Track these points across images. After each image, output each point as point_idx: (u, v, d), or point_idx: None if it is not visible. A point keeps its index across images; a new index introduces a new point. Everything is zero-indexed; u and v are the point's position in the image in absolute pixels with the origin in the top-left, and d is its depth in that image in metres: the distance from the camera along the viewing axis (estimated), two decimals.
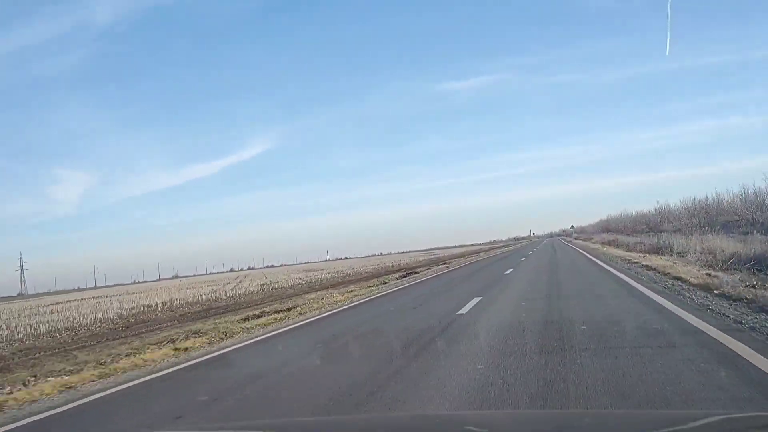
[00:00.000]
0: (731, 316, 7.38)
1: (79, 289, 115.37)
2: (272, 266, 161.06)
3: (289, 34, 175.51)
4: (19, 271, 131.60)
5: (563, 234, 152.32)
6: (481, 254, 56.00)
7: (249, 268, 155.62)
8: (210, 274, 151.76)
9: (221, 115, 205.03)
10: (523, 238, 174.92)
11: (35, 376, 8.55)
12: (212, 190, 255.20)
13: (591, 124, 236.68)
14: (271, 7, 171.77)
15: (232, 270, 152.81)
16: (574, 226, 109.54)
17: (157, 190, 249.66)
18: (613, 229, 70.78)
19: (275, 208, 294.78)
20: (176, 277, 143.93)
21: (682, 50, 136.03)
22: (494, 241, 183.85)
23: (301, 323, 11.92)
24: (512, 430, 2.36)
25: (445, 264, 39.20)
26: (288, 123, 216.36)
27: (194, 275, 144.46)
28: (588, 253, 32.86)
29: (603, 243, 45.72)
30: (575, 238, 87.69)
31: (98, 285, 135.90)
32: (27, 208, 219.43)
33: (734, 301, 8.65)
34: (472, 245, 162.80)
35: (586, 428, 2.24)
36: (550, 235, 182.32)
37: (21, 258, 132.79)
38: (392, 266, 46.12)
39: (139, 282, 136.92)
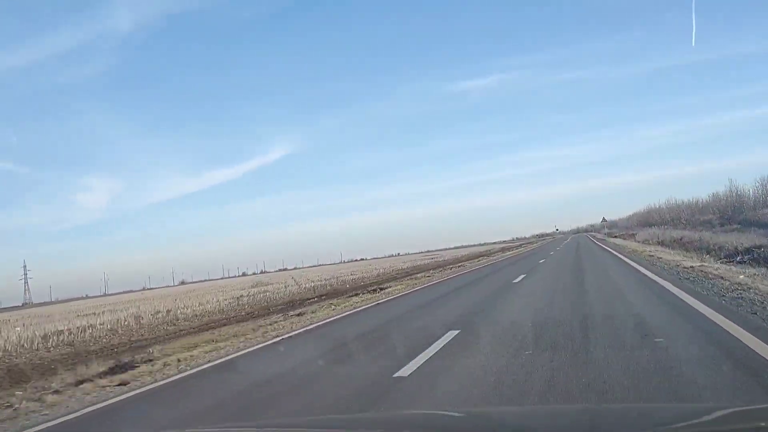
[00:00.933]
0: None
1: (87, 297, 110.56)
2: (285, 269, 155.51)
3: (305, 37, 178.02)
4: (23, 280, 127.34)
5: (591, 230, 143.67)
6: (482, 259, 44.92)
7: (262, 272, 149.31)
8: (222, 278, 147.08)
9: (238, 120, 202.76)
10: (548, 235, 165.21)
11: None
12: (223, 196, 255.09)
13: (608, 119, 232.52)
14: (286, 10, 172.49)
15: (244, 274, 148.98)
16: (606, 219, 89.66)
17: (170, 197, 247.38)
18: (655, 221, 62.68)
19: (288, 212, 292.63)
20: (183, 283, 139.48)
21: (704, 43, 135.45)
22: (515, 239, 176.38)
23: None
24: (517, 427, 2.29)
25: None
26: (303, 126, 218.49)
27: (205, 280, 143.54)
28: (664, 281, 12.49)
29: (658, 244, 31.18)
30: (607, 234, 74.45)
31: (108, 292, 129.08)
32: (46, 216, 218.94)
33: None
34: (481, 244, 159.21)
35: (594, 423, 2.17)
36: (576, 231, 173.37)
37: (24, 266, 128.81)
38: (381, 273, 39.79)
39: (147, 289, 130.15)
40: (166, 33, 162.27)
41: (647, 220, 69.16)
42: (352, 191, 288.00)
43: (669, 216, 56.89)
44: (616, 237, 57.83)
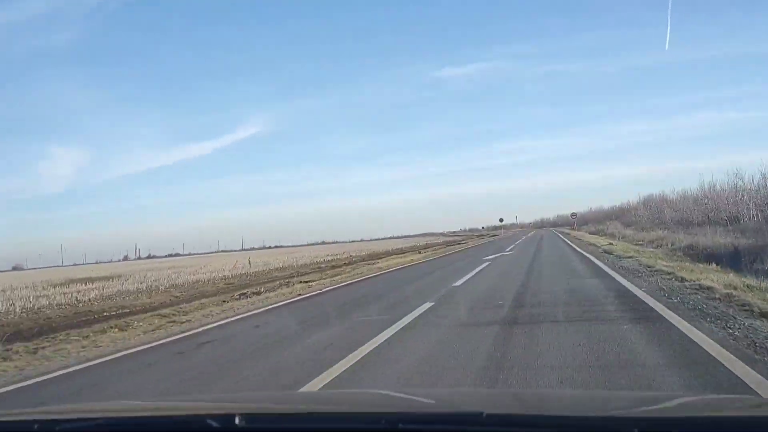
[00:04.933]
0: None
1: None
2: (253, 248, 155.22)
3: (285, 17, 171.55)
4: None
5: (558, 224, 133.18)
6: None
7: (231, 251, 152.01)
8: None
9: (213, 96, 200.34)
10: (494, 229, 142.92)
11: None
12: (198, 172, 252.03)
13: (582, 115, 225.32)
14: None
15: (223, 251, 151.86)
16: (576, 214, 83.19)
17: (141, 170, 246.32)
18: (630, 222, 56.51)
19: (262, 192, 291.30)
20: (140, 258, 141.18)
21: (681, 43, 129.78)
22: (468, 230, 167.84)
23: None
24: (479, 406, 2.04)
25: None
26: (281, 106, 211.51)
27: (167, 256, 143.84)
28: None
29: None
30: (584, 231, 62.07)
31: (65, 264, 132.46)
32: (11, 185, 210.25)
33: None
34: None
35: (560, 408, 2.15)
36: (541, 225, 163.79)
37: None
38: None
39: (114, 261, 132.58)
40: (140, 3, 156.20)
41: (620, 216, 63.82)
42: (324, 174, 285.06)
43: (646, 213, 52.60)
44: (597, 236, 47.80)
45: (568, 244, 32.83)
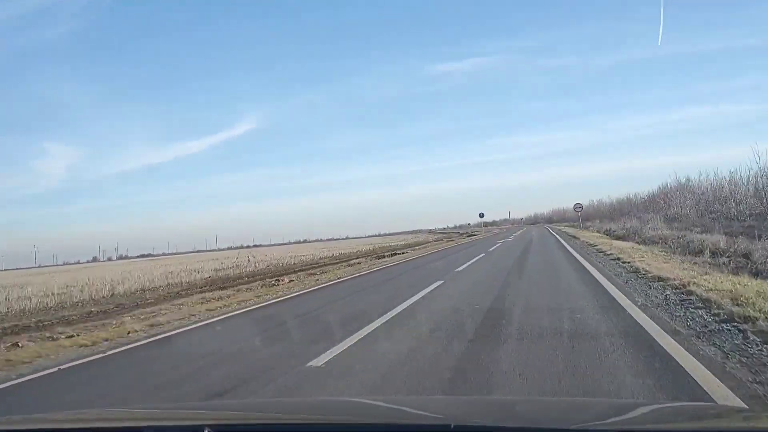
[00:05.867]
0: None
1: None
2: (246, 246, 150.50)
3: (281, 12, 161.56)
4: None
5: (553, 219, 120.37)
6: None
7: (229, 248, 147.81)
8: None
9: (210, 92, 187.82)
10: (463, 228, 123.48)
11: None
12: (192, 169, 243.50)
13: (580, 109, 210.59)
14: None
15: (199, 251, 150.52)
16: (581, 206, 57.31)
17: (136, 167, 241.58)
18: (673, 216, 39.99)
19: (259, 188, 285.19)
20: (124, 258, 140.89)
21: (676, 38, 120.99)
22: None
23: None
24: (448, 416, 2.21)
25: None
26: (278, 102, 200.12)
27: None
28: None
29: None
30: (597, 232, 42.90)
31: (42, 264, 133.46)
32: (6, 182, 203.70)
33: None
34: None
35: (530, 420, 2.10)
36: (534, 221, 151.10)
37: None
38: None
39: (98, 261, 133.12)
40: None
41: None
42: (322, 170, 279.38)
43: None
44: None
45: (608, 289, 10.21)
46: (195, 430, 1.69)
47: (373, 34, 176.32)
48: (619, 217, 52.02)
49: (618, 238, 31.21)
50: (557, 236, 40.55)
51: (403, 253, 33.37)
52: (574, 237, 36.14)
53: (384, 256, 31.77)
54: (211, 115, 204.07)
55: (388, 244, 57.15)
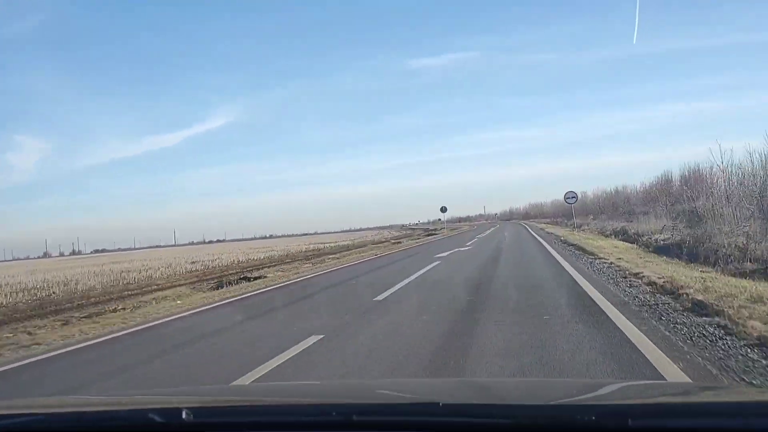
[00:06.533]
0: None
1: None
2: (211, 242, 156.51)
3: (258, 7, 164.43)
4: None
5: (530, 215, 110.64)
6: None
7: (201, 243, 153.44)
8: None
9: (185, 86, 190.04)
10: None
11: None
12: (166, 163, 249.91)
13: (556, 105, 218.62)
14: None
15: (158, 246, 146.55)
16: (575, 194, 40.91)
17: (109, 160, 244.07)
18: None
19: (234, 183, 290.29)
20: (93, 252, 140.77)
21: (651, 35, 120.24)
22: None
23: None
24: (436, 396, 2.15)
25: None
26: (252, 97, 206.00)
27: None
28: None
29: None
30: (594, 233, 33.88)
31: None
32: None
33: None
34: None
35: (516, 397, 2.20)
36: (509, 217, 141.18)
37: None
38: None
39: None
40: None
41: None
42: (296, 165, 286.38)
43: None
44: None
45: None
46: (173, 412, 1.65)
47: (343, 30, 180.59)
48: (609, 212, 40.68)
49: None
50: (539, 239, 29.12)
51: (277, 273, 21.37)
52: (593, 255, 17.35)
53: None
54: (183, 109, 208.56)
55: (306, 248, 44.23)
